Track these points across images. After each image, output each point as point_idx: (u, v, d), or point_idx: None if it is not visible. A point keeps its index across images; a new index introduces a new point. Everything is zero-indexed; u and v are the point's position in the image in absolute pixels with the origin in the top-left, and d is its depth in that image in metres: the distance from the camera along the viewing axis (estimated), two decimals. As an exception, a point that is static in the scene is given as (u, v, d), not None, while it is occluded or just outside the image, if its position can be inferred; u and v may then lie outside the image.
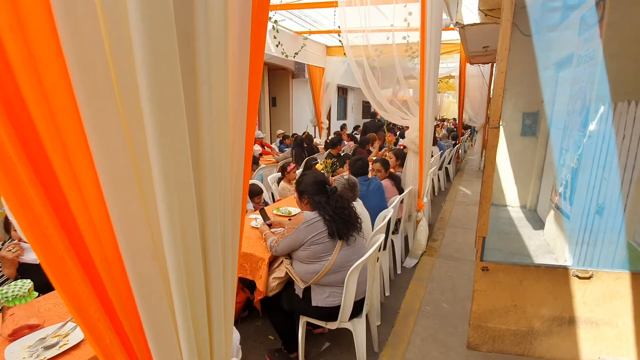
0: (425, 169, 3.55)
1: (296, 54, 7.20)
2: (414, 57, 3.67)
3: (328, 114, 14.59)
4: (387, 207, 3.01)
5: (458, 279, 3.19)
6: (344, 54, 9.64)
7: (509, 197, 5.56)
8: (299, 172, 4.50)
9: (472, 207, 5.49)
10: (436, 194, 6.60)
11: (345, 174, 2.76)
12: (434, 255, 3.71)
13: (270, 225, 2.43)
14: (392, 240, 3.31)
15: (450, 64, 12.23)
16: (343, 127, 11.17)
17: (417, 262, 3.55)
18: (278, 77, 11.46)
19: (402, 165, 3.92)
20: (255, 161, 4.86)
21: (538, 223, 4.59)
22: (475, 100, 9.17)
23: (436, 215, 5.15)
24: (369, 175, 3.43)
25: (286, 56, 6.93)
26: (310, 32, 8.11)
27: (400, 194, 3.46)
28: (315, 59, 9.02)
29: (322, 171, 4.10)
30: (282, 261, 2.10)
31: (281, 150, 7.29)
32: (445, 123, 17.62)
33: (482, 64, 8.91)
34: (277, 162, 5.94)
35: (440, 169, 7.01)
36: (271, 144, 8.78)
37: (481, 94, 9.17)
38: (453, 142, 8.73)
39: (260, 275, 2.04)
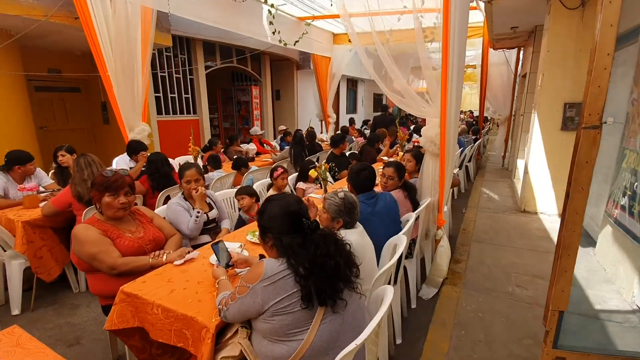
0: (447, 176, 2.78)
1: (297, 42, 6.43)
2: (433, 42, 2.89)
3: (336, 107, 13.83)
4: (400, 230, 2.27)
5: (492, 322, 2.43)
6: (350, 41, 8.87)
7: (542, 203, 4.71)
8: (292, 177, 3.79)
9: (499, 216, 4.67)
10: (456, 197, 5.79)
11: (341, 189, 2.03)
12: (459, 284, 2.95)
13: (231, 267, 1.73)
14: (404, 267, 2.58)
15: (469, 52, 11.28)
16: (351, 121, 10.38)
17: (437, 293, 2.81)
18: (282, 69, 10.71)
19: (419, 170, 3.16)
20: (244, 163, 4.16)
21: (583, 237, 3.75)
22: (499, 90, 8.23)
23: (457, 224, 4.37)
24: (377, 187, 2.68)
25: (285, 45, 6.18)
26: (314, 18, 7.32)
27: (414, 207, 2.70)
28: (321, 47, 8.22)
29: (316, 180, 3.37)
30: (237, 330, 1.39)
31: (282, 149, 6.57)
32: (462, 116, 16.58)
33: (507, 48, 7.96)
34: (274, 163, 5.24)
35: (460, 167, 6.18)
36: (272, 141, 8.08)
37: (506, 83, 8.22)
38: (474, 137, 7.85)
39: (203, 352, 1.34)
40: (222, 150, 6.10)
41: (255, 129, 6.60)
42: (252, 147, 5.57)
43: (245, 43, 7.91)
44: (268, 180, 3.53)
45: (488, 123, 14.13)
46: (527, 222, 4.39)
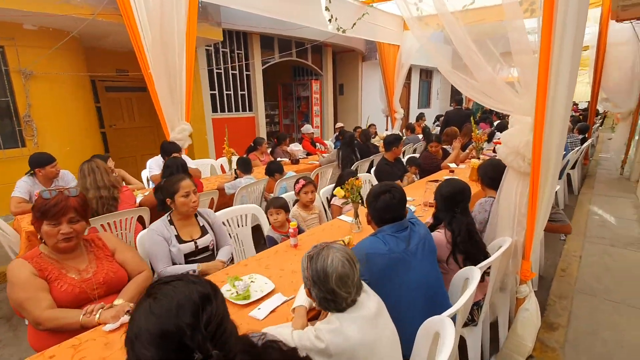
0: (542, 208, 1.80)
1: (354, 24, 5.64)
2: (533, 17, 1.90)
3: (406, 101, 12.61)
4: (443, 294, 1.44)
5: None
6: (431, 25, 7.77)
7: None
8: (326, 189, 3.09)
9: (620, 252, 3.32)
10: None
11: (344, 240, 1.29)
12: (553, 368, 1.95)
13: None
14: (461, 338, 1.75)
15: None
16: (420, 116, 9.20)
17: (516, 379, 1.87)
18: (346, 61, 9.98)
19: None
20: (277, 168, 3.59)
21: None
22: (622, 75, 6.33)
23: (553, 260, 3.20)
24: (413, 211, 1.88)
25: (343, 32, 5.46)
26: (379, 0, 6.45)
27: (473, 258, 1.78)
28: (388, 34, 7.28)
29: (344, 200, 2.62)
30: None
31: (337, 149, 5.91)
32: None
33: (638, 19, 6.01)
34: (320, 167, 4.61)
35: (559, 177, 4.77)
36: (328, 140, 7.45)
37: (632, 66, 6.27)
38: (581, 136, 6.15)
39: None
40: (270, 150, 5.70)
41: (307, 127, 6.04)
42: (297, 148, 5.01)
43: (305, 34, 7.39)
44: (292, 194, 2.89)
45: (599, 117, 11.47)
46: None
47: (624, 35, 6.32)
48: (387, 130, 8.92)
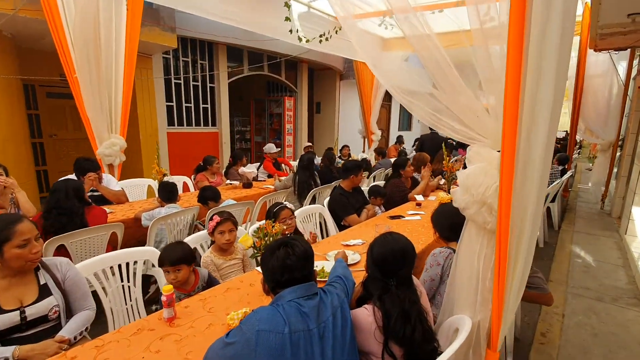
0: (514, 280, 1.27)
1: (322, 38, 5.22)
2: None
3: (386, 123, 12.30)
4: None
5: None
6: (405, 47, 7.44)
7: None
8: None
9: (609, 309, 2.82)
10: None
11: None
12: None
13: None
14: None
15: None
16: (399, 139, 8.83)
17: None
18: (323, 79, 9.61)
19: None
20: (212, 194, 2.99)
21: None
22: (602, 105, 6.12)
23: (531, 315, 2.68)
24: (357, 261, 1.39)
25: (307, 41, 5.04)
26: (356, 17, 6.10)
27: (415, 353, 1.22)
28: (365, 53, 6.93)
29: (250, 250, 2.04)
30: None
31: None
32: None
33: (615, 50, 5.82)
34: (277, 191, 4.04)
35: (538, 213, 4.34)
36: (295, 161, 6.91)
37: (610, 96, 6.07)
38: (561, 167, 5.81)
39: None
40: (224, 171, 5.10)
41: (270, 146, 5.49)
42: (250, 170, 4.43)
43: (277, 48, 6.97)
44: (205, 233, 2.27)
45: (577, 146, 11.41)
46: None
47: (602, 67, 6.15)
48: (363, 152, 8.49)
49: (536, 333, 2.49)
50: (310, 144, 6.61)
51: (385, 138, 11.19)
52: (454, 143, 7.40)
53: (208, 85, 6.55)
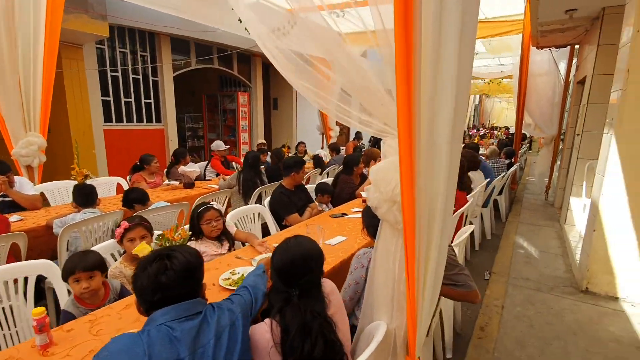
0: (426, 283, 1.15)
1: (278, 32, 5.01)
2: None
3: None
4: None
5: None
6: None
7: (626, 283, 2.84)
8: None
9: (546, 298, 2.87)
10: (476, 248, 4.04)
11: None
12: None
13: None
14: None
15: (504, 60, 9.37)
16: (358, 136, 8.81)
17: None
18: (280, 74, 9.34)
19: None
20: (139, 196, 2.71)
21: None
22: (544, 101, 6.39)
23: (473, 309, 2.67)
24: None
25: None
26: (309, 9, 5.94)
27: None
28: (317, 47, 6.78)
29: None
30: None
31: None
32: (496, 132, 14.48)
33: (556, 47, 6.10)
34: (219, 190, 3.79)
35: (485, 205, 4.42)
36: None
37: (552, 92, 6.36)
38: (507, 161, 6.01)
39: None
40: (165, 171, 4.76)
41: (218, 143, 5.20)
42: (190, 169, 4.13)
43: (227, 41, 6.64)
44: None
45: (526, 141, 12.03)
46: (598, 318, 2.58)
47: (544, 67, 6.42)
48: (322, 148, 8.36)
49: (475, 327, 2.46)
50: (263, 141, 6.36)
51: (345, 135, 11.14)
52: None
53: (151, 78, 6.10)
